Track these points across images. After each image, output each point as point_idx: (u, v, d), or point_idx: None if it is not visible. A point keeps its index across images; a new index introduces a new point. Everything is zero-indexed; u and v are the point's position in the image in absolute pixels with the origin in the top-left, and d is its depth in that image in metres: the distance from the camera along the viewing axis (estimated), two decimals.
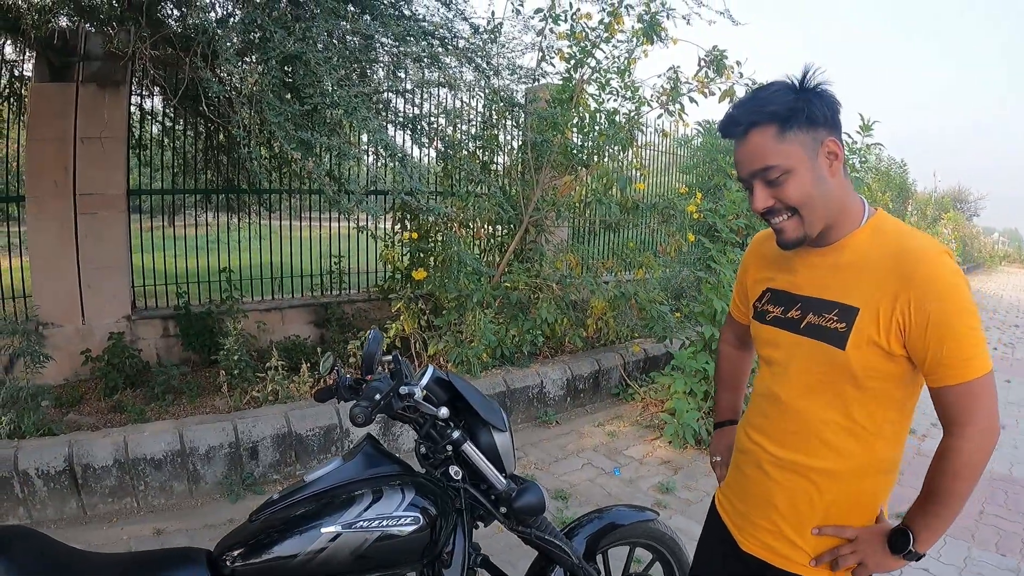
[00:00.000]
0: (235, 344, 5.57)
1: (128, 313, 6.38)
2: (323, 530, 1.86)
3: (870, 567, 1.77)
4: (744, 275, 2.13)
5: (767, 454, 1.92)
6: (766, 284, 1.99)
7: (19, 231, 6.63)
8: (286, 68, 3.92)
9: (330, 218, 7.55)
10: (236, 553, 1.89)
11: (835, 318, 1.75)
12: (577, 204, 6.93)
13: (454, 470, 2.11)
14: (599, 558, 2.66)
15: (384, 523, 1.90)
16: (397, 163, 4.36)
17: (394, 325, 5.76)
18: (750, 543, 1.99)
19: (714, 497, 2.21)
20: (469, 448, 2.08)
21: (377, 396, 1.96)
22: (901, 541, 1.72)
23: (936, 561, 4.00)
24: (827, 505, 1.83)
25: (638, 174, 8.32)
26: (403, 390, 2.01)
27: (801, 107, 1.67)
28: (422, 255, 6.44)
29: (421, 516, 1.96)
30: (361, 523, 1.89)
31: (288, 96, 3.88)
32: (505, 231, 6.80)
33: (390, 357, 2.12)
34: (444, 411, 2.07)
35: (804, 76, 1.69)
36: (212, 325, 6.45)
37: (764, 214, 1.78)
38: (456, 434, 2.07)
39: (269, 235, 7.31)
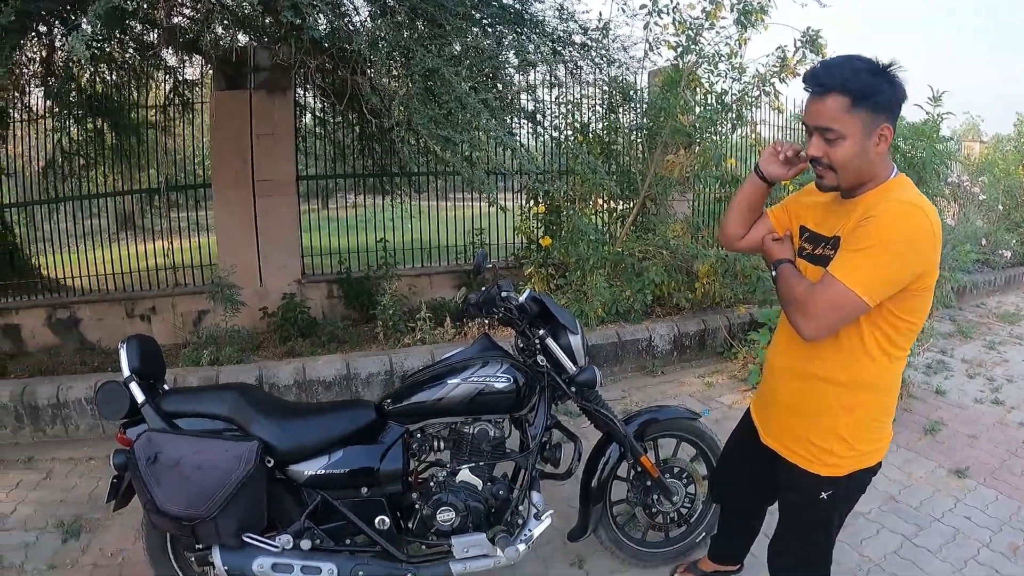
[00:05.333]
0: (390, 301, 6.61)
1: (298, 278, 7.58)
2: (448, 381, 2.97)
3: None
4: (797, 200, 2.54)
5: (782, 363, 2.48)
6: (803, 221, 2.44)
7: (205, 213, 7.91)
8: (427, 80, 4.85)
9: (472, 197, 8.46)
10: (391, 399, 3.05)
11: (829, 247, 2.22)
12: (689, 180, 7.48)
13: (540, 359, 3.12)
14: (650, 445, 3.51)
15: (487, 379, 2.97)
16: (522, 152, 5.27)
17: (526, 286, 6.64)
18: (767, 435, 2.60)
19: (749, 406, 2.87)
20: (550, 342, 3.08)
21: (484, 288, 3.09)
22: None
23: (983, 514, 4.24)
24: (824, 409, 2.31)
25: (755, 150, 8.74)
26: (504, 293, 3.10)
27: (874, 92, 2.01)
28: (552, 227, 7.33)
29: (511, 379, 3.00)
30: (473, 378, 2.97)
31: (430, 99, 4.80)
32: (626, 205, 7.49)
33: (490, 265, 3.25)
34: (521, 298, 3.10)
35: (888, 64, 2.05)
36: (369, 287, 7.53)
37: (812, 161, 2.17)
38: (541, 332, 3.08)
39: (419, 213, 8.33)
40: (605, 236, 6.76)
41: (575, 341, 3.12)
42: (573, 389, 3.15)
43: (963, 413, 5.78)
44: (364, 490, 2.96)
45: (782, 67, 6.82)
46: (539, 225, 7.55)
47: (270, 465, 2.81)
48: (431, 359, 5.69)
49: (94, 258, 7.45)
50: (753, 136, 8.73)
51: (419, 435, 3.09)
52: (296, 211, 7.57)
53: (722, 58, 6.89)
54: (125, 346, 2.88)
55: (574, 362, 3.11)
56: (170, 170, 8.16)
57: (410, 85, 4.75)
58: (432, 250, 8.38)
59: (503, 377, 2.99)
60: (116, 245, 7.66)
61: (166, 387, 3.04)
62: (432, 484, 3.07)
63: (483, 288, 3.22)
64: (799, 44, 6.71)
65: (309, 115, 8.49)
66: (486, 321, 5.67)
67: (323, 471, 2.88)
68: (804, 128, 2.17)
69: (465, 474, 3.05)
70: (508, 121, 5.42)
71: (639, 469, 3.39)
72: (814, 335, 2.16)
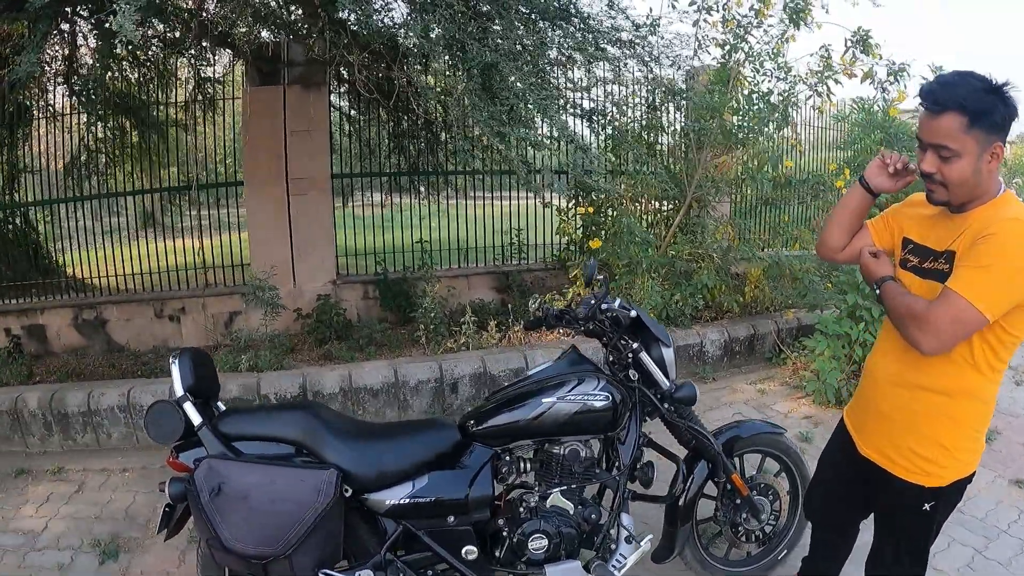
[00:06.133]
0: (431, 304, 6.43)
1: (333, 278, 7.38)
2: (543, 400, 2.75)
3: None
4: (898, 211, 2.53)
5: (886, 371, 2.42)
6: (907, 233, 2.43)
7: (235, 211, 7.74)
8: (485, 76, 4.68)
9: (509, 196, 8.31)
10: (476, 420, 2.82)
11: (943, 262, 2.21)
12: (736, 181, 7.36)
13: (632, 373, 2.93)
14: (736, 461, 3.31)
15: (585, 398, 2.75)
16: (579, 150, 5.10)
17: (571, 290, 6.49)
18: (865, 445, 2.53)
19: (844, 411, 2.76)
20: (644, 356, 2.88)
21: (592, 301, 2.86)
22: None
23: None
24: (927, 419, 2.29)
25: (795, 151, 8.57)
26: (606, 302, 2.89)
27: (990, 111, 2.02)
28: (594, 227, 7.16)
29: (609, 396, 2.79)
30: (569, 397, 2.76)
31: (487, 96, 4.64)
32: (671, 206, 7.34)
33: (601, 277, 2.98)
34: (634, 312, 2.89)
35: (1004, 84, 2.05)
36: (407, 289, 7.32)
37: (924, 176, 2.17)
38: (635, 345, 2.88)
39: (456, 213, 8.14)
40: (650, 237, 6.56)
41: (668, 355, 2.95)
42: (666, 405, 2.97)
43: (1016, 422, 5.67)
44: (450, 519, 2.75)
45: (826, 67, 6.66)
46: (579, 225, 7.41)
47: (348, 495, 2.60)
48: (481, 366, 5.52)
49: (120, 257, 7.33)
50: (793, 138, 8.54)
51: (507, 457, 2.87)
52: (331, 209, 7.40)
53: (768, 57, 6.72)
54: (177, 361, 2.65)
55: (665, 375, 2.93)
56: (196, 168, 8.06)
57: (466, 81, 4.54)
58: (469, 251, 8.19)
59: (601, 395, 2.79)
60: (142, 244, 7.57)
61: (221, 406, 2.82)
62: (521, 509, 2.88)
63: (585, 297, 3.04)
64: (849, 44, 6.54)
65: (342, 112, 8.39)
66: (560, 331, 5.43)
67: (407, 500, 2.67)
68: (918, 143, 2.19)
69: (556, 498, 2.86)
70: (565, 119, 5.22)
71: (729, 487, 3.22)
72: (935, 349, 2.16)
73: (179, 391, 2.58)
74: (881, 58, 6.39)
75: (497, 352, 5.82)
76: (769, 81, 6.86)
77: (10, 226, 7.87)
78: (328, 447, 2.59)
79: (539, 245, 8.31)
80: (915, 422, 2.34)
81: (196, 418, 2.54)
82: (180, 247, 7.63)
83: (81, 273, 7.48)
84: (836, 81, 6.67)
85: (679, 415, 3.02)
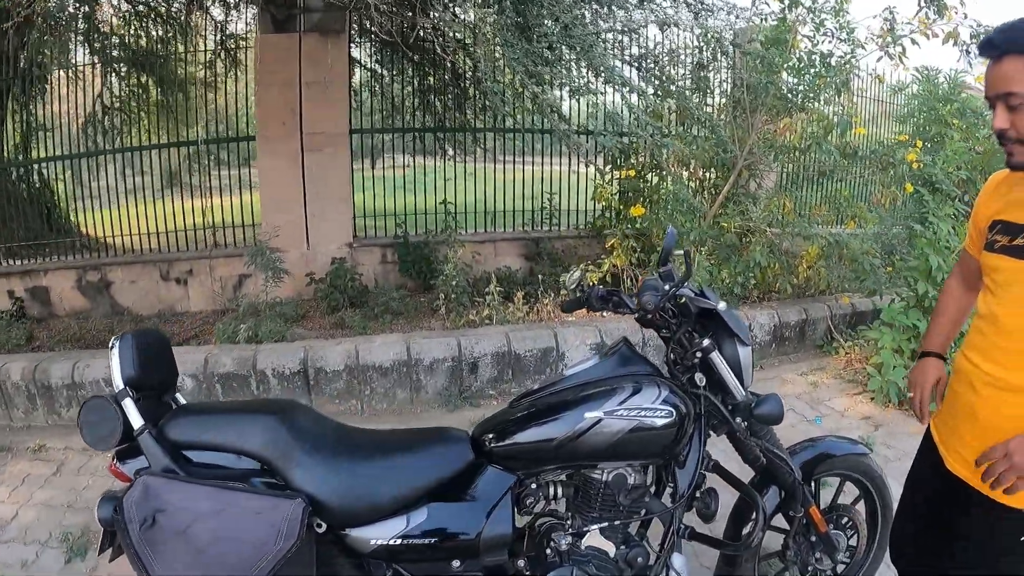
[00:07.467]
0: (453, 270, 5.90)
1: (349, 241, 6.94)
2: (586, 415, 2.09)
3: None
4: (977, 211, 2.17)
5: (980, 371, 1.99)
6: (997, 216, 2.04)
7: (249, 170, 7.41)
8: (518, 8, 4.10)
9: (541, 160, 7.81)
10: (496, 434, 2.18)
11: None
12: (796, 147, 6.78)
13: (698, 377, 2.26)
14: (811, 485, 2.71)
15: (642, 413, 2.10)
16: (627, 98, 4.50)
17: (607, 260, 5.94)
18: (954, 461, 2.08)
19: (929, 424, 2.29)
20: (716, 357, 2.24)
21: (667, 286, 2.21)
22: None
23: None
24: None
25: (852, 121, 8.01)
26: (687, 286, 2.25)
27: None
28: (632, 194, 6.59)
29: (674, 412, 2.14)
30: (621, 411, 2.10)
31: (521, 34, 4.06)
32: (718, 174, 6.78)
33: (682, 252, 2.30)
34: (723, 305, 2.25)
35: None
36: (428, 254, 6.87)
37: (999, 136, 1.87)
38: (706, 342, 2.23)
39: (484, 176, 7.67)
40: (702, 205, 5.98)
41: (745, 356, 2.30)
42: (739, 420, 2.33)
43: None
44: (456, 563, 2.13)
45: (891, 31, 6.00)
46: (616, 191, 6.83)
47: (321, 531, 2.01)
48: (505, 343, 4.94)
49: (132, 216, 6.92)
50: (849, 104, 7.92)
51: (532, 484, 2.25)
52: (348, 166, 6.94)
53: (828, 15, 6.05)
54: (118, 347, 2.02)
55: (742, 384, 2.30)
56: (213, 124, 7.68)
57: (497, 15, 3.92)
58: (497, 215, 7.66)
59: (663, 409, 2.14)
60: (155, 203, 7.14)
61: (179, 399, 2.20)
62: (548, 550, 2.25)
63: (648, 278, 2.38)
64: (923, 3, 5.88)
65: (363, 64, 7.96)
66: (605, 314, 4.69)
67: (398, 541, 2.05)
68: (988, 104, 1.90)
69: (595, 537, 2.23)
70: (612, 63, 4.58)
71: (805, 521, 2.59)
72: None
73: (118, 384, 1.97)
74: (967, 17, 5.72)
75: (524, 328, 5.26)
76: (830, 42, 6.22)
77: (23, 184, 7.54)
78: (297, 467, 1.98)
79: (572, 211, 7.81)
80: (1016, 431, 1.87)
81: (136, 420, 1.94)
82: (192, 207, 7.21)
83: (95, 233, 7.15)
84: (913, 41, 5.99)
85: (753, 433, 2.40)
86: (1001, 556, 1.98)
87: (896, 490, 2.53)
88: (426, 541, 2.06)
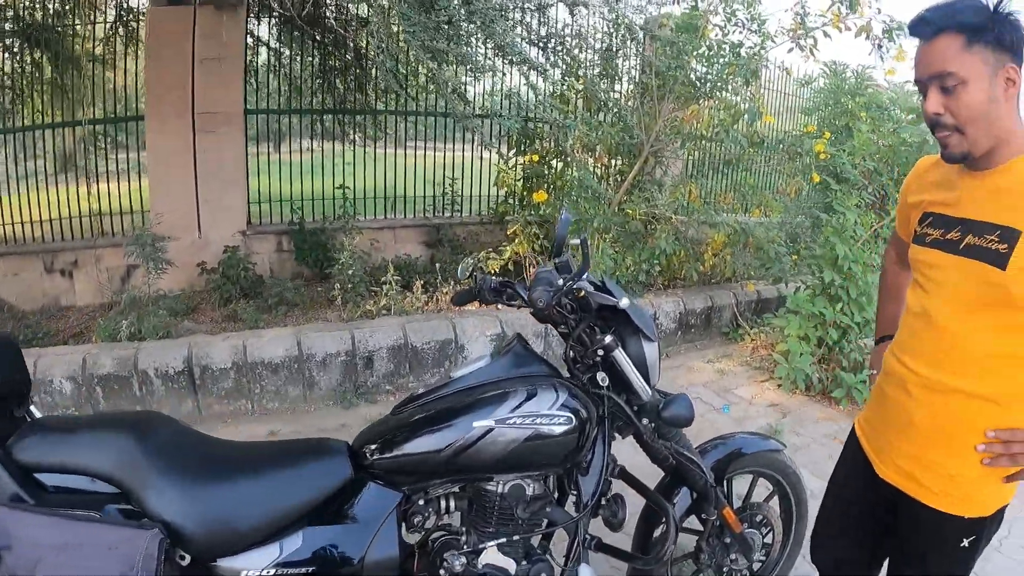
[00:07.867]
0: (350, 259, 5.64)
1: (243, 228, 6.59)
2: (475, 424, 1.88)
3: None
4: (905, 197, 2.10)
5: (913, 374, 1.91)
6: (926, 208, 1.96)
7: (137, 153, 6.89)
8: None
9: (444, 146, 7.63)
10: (378, 446, 1.94)
11: (996, 239, 1.74)
12: (704, 134, 6.78)
13: (601, 376, 2.07)
14: (724, 486, 2.59)
15: (538, 420, 1.90)
16: (528, 78, 4.30)
17: (509, 248, 5.75)
18: (888, 469, 2.00)
19: (853, 424, 2.20)
20: (620, 355, 2.04)
21: (560, 281, 1.99)
22: None
23: None
24: (968, 431, 1.82)
25: (759, 110, 8.06)
26: (584, 278, 2.04)
27: (992, 26, 1.66)
28: (536, 179, 6.45)
29: (573, 417, 1.95)
30: (515, 419, 1.89)
31: (415, 3, 3.82)
32: (624, 161, 6.68)
33: (578, 241, 2.06)
34: (626, 301, 2.05)
35: (999, 2, 1.68)
36: (325, 241, 6.59)
37: (932, 125, 1.77)
38: (608, 339, 2.03)
39: (384, 159, 7.39)
40: (607, 191, 5.88)
41: (651, 353, 2.12)
42: (645, 421, 2.15)
43: None
44: None
45: (803, 24, 5.96)
46: (520, 177, 6.69)
47: (185, 563, 1.73)
48: (402, 336, 4.70)
49: (16, 203, 6.36)
50: (758, 95, 7.86)
51: (419, 500, 2.03)
52: (243, 149, 6.56)
53: (740, 5, 6.00)
54: None
55: (648, 383, 2.11)
56: (111, 104, 7.05)
57: None
58: (397, 200, 7.41)
59: (561, 416, 1.93)
60: (47, 189, 6.55)
61: (33, 412, 1.87)
62: (443, 572, 2.01)
63: (542, 269, 2.17)
64: None
65: (263, 41, 7.58)
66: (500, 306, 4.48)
67: (272, 571, 1.79)
68: (918, 88, 1.80)
69: (493, 554, 2.00)
70: (514, 40, 4.37)
71: (718, 523, 2.44)
72: None
73: None
74: (880, 11, 5.73)
75: (421, 319, 5.02)
76: (740, 32, 6.19)
77: None
78: (152, 491, 1.70)
79: (474, 197, 7.65)
80: (955, 437, 1.84)
81: None
82: (76, 193, 6.63)
83: None
84: (825, 34, 5.97)
85: (661, 435, 2.22)
86: (941, 560, 1.95)
87: (808, 481, 2.41)
88: (303, 570, 1.82)
